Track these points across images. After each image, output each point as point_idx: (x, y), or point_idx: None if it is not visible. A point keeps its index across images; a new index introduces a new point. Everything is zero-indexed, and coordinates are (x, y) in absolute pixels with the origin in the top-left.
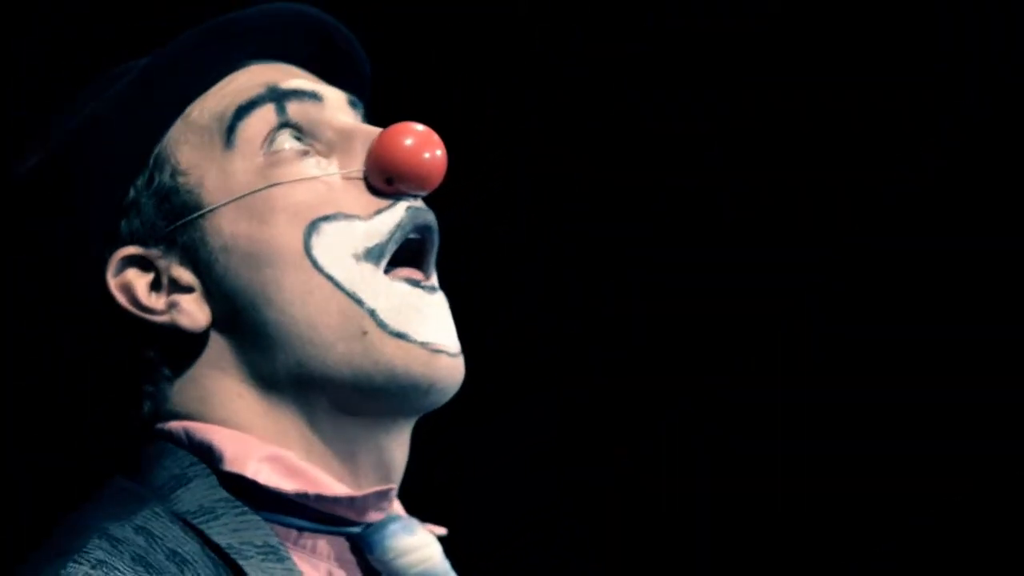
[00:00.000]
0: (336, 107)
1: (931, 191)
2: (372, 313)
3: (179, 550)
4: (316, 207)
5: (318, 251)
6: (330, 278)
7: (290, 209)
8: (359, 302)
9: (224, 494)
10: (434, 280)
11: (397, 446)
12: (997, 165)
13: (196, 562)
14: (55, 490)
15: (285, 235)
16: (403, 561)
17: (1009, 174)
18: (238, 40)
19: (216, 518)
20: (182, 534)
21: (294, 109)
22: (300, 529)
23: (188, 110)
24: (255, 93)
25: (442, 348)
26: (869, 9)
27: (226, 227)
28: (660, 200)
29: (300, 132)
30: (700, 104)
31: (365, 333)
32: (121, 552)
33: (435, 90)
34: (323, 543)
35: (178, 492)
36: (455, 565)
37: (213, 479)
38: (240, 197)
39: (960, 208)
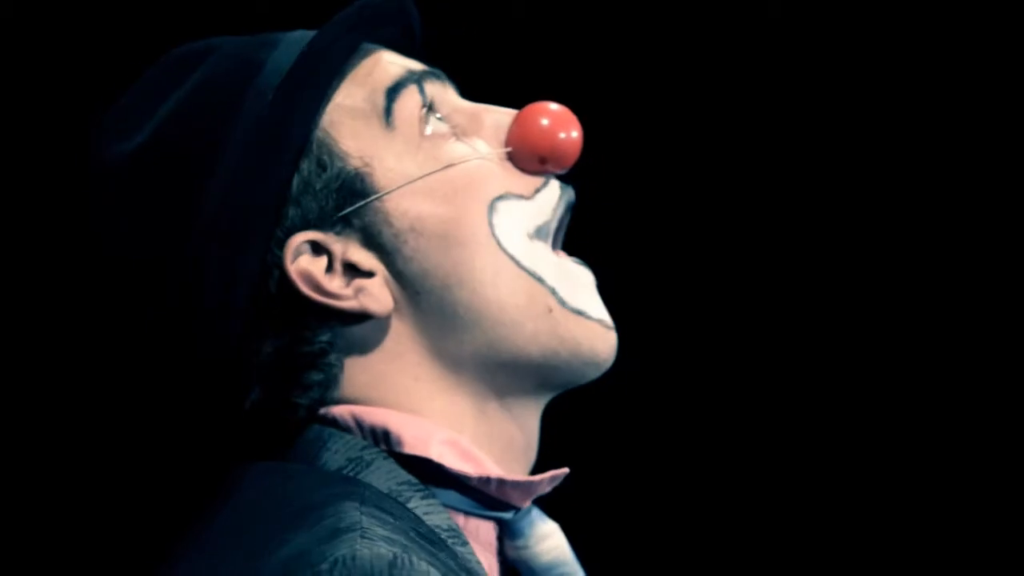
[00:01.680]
0: (450, 89)
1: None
2: (553, 291)
3: (411, 528)
4: (489, 187)
5: (500, 231)
6: (512, 258)
7: (470, 189)
8: (541, 280)
9: (407, 476)
10: None
11: (537, 429)
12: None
13: (424, 540)
14: (181, 484)
15: (471, 215)
16: (541, 547)
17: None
18: (364, 26)
19: (407, 500)
20: (401, 512)
21: (430, 90)
22: (467, 513)
23: (333, 95)
24: (397, 74)
25: (611, 325)
26: None
27: (411, 208)
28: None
29: (435, 111)
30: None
31: (550, 311)
32: (390, 526)
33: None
34: (484, 527)
35: (362, 475)
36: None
37: (392, 462)
38: (420, 178)
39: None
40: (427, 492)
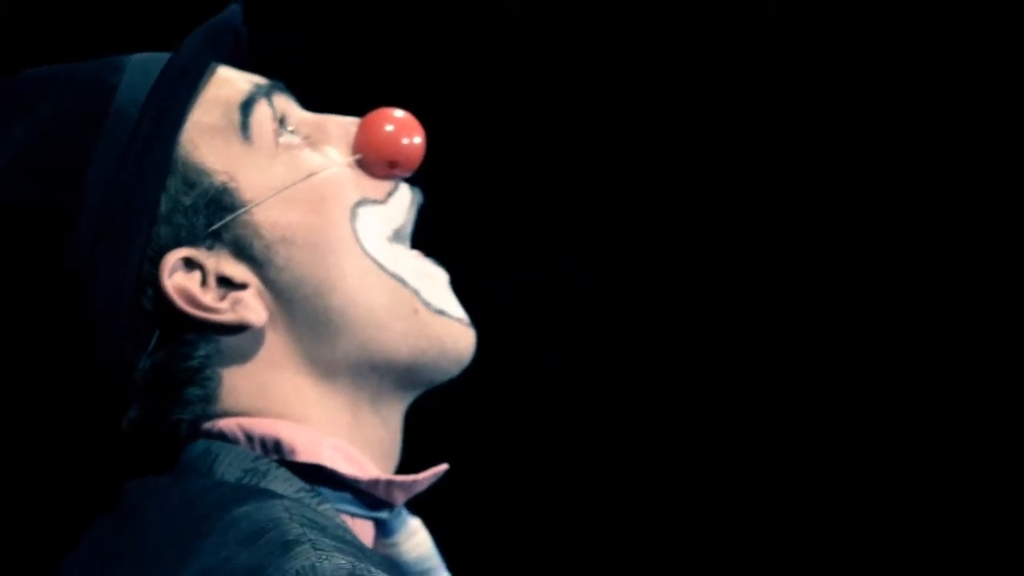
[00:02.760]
0: (291, 100)
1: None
2: (416, 293)
3: (342, 535)
4: (349, 194)
5: (363, 236)
6: (376, 262)
7: (333, 197)
8: (403, 283)
9: (302, 484)
10: None
11: (401, 430)
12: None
13: (355, 546)
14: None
15: (337, 222)
16: (409, 544)
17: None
18: (214, 46)
19: (310, 509)
20: (324, 520)
21: (278, 102)
22: (354, 515)
23: (191, 114)
24: (247, 90)
25: (469, 322)
26: None
27: (280, 219)
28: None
29: (289, 125)
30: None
31: (416, 312)
32: (329, 535)
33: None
34: (367, 528)
35: (261, 485)
36: None
37: (285, 471)
38: (286, 189)
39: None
40: (321, 498)
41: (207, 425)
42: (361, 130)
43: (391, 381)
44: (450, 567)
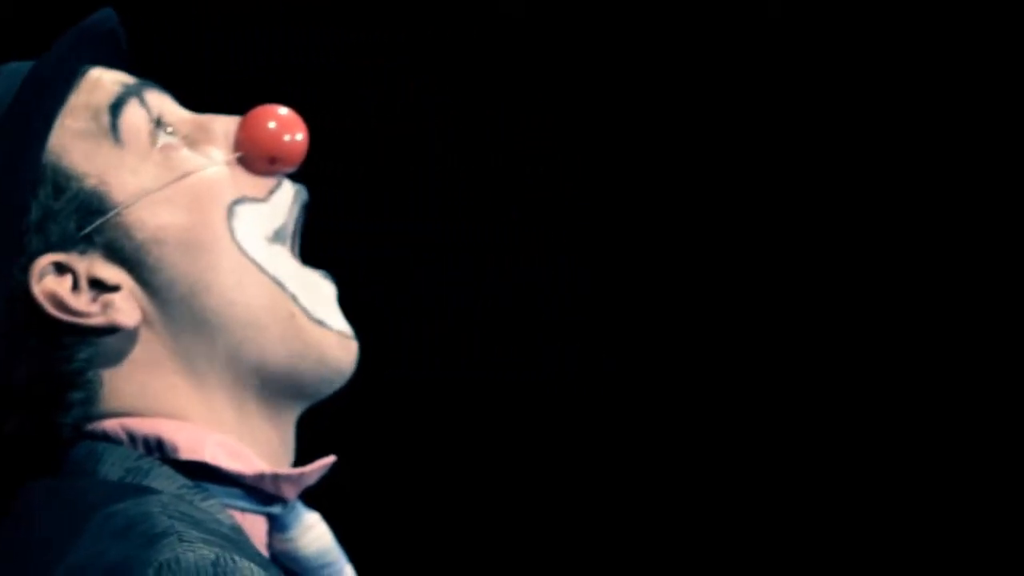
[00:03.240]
0: (167, 98)
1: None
2: (294, 298)
3: (216, 528)
4: (226, 192)
5: (240, 235)
6: (254, 261)
7: (208, 195)
8: (281, 285)
9: (184, 480)
10: None
11: (293, 435)
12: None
13: (228, 538)
14: None
15: (212, 221)
16: (306, 538)
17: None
18: (81, 49)
19: (188, 504)
20: (199, 513)
21: (152, 102)
22: (243, 511)
23: (59, 120)
24: (116, 91)
25: (351, 336)
26: None
27: (151, 219)
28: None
29: (163, 123)
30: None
31: (292, 316)
32: (201, 527)
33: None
34: (258, 523)
35: (144, 483)
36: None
37: (167, 468)
38: (158, 189)
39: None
40: (206, 494)
41: (90, 427)
42: (242, 127)
43: (272, 384)
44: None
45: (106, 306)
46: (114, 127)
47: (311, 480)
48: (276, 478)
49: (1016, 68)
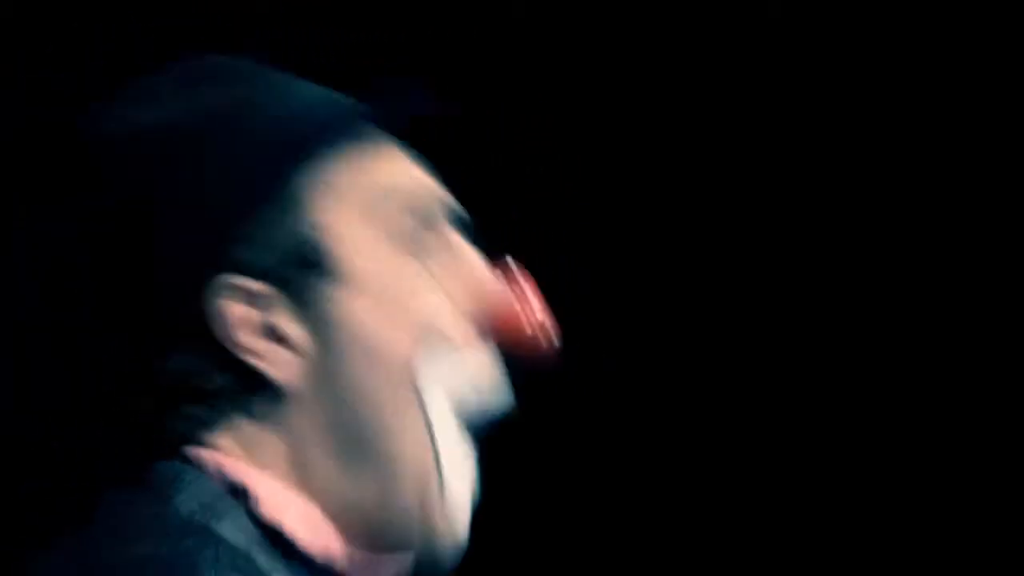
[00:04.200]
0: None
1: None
2: (442, 484)
3: None
4: (434, 324)
5: (426, 384)
6: (427, 422)
7: (417, 325)
8: (437, 461)
9: (257, 536)
10: None
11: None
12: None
13: None
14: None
15: (406, 352)
16: None
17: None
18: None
19: (247, 562)
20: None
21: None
22: None
23: (330, 175)
24: (431, 206)
25: (461, 545)
26: None
27: (358, 312)
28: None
29: (429, 232)
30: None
31: (428, 492)
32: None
33: None
34: None
35: (214, 523)
36: None
37: (245, 519)
38: (383, 291)
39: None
40: (275, 556)
41: (188, 449)
42: (506, 312)
43: (370, 527)
44: None
45: (270, 356)
46: (383, 203)
47: (385, 571)
48: (348, 562)
49: (1016, 68)
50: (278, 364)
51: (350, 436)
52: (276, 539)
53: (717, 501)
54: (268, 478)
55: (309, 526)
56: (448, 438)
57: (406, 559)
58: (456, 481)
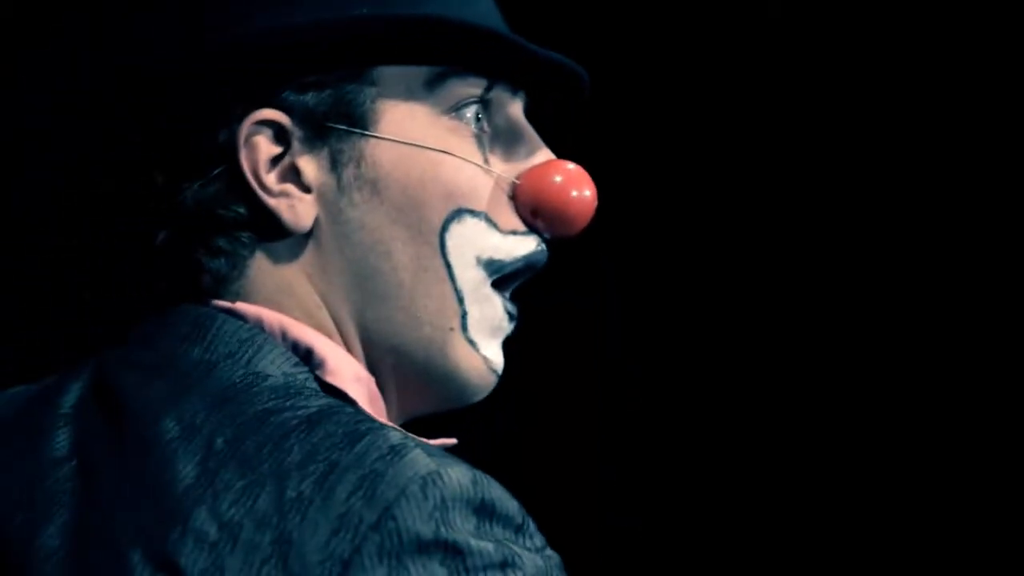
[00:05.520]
0: (520, 97)
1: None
2: (464, 316)
3: None
4: (469, 196)
5: (451, 237)
6: (448, 266)
7: (449, 185)
8: (460, 300)
9: (329, 400)
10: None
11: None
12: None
13: None
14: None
15: (433, 207)
16: None
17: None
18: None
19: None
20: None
21: (497, 92)
22: None
23: (400, 39)
24: (503, 102)
25: (496, 368)
26: None
27: (386, 163)
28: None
29: (486, 110)
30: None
31: (451, 329)
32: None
33: None
34: None
35: (301, 394)
36: None
37: (317, 386)
38: (414, 145)
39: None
40: None
41: (243, 306)
42: (539, 166)
43: (403, 372)
44: None
45: (283, 194)
46: (440, 78)
47: None
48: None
49: (1016, 68)
50: (294, 209)
51: (367, 284)
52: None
53: (716, 500)
54: (326, 338)
55: (365, 391)
56: (473, 285)
57: (447, 443)
58: (481, 320)
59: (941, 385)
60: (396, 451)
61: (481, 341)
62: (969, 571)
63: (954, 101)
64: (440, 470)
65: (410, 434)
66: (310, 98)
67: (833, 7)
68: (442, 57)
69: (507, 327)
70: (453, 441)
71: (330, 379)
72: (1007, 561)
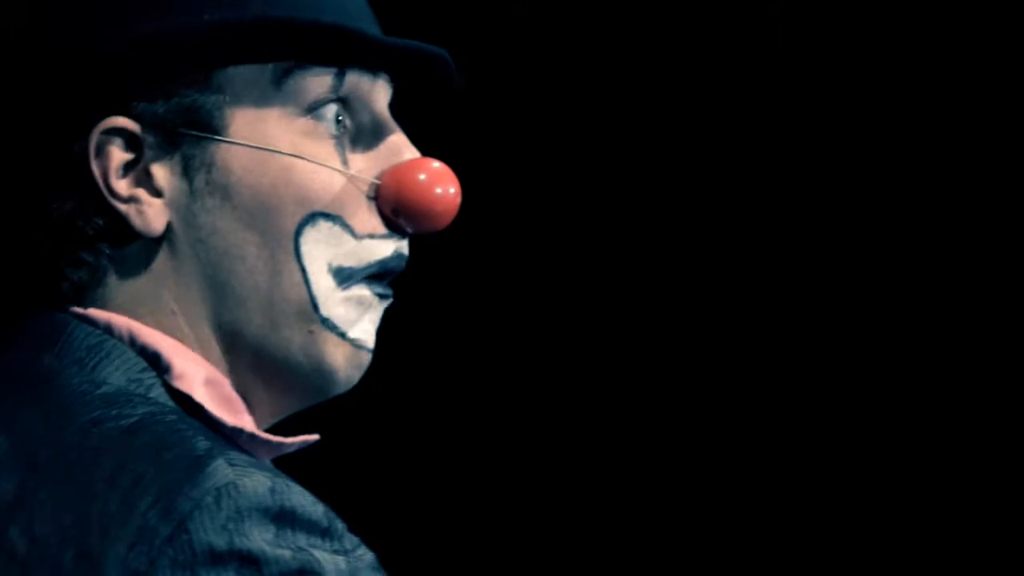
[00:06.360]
0: (382, 92)
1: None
2: (324, 317)
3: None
4: (323, 200)
5: (306, 243)
6: (304, 271)
7: (302, 189)
8: (316, 307)
9: (173, 406)
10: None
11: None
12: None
13: None
14: None
15: (287, 212)
16: None
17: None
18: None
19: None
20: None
21: (356, 82)
22: None
23: (251, 45)
24: (366, 103)
25: (366, 344)
26: None
27: (237, 169)
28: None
29: (347, 109)
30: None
31: (311, 331)
32: (233, 450)
33: None
34: None
35: (131, 402)
36: None
37: (163, 391)
38: (264, 149)
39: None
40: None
41: (95, 312)
42: (401, 171)
43: (269, 373)
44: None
45: (132, 199)
46: (288, 72)
47: (288, 450)
48: (253, 438)
49: (1016, 68)
50: (144, 214)
51: (223, 288)
52: (186, 408)
53: (714, 501)
54: (173, 341)
55: (216, 394)
56: (327, 294)
57: (309, 439)
58: (345, 316)
59: (936, 384)
60: (198, 462)
61: (346, 327)
62: (969, 571)
63: (954, 101)
64: (237, 480)
65: (233, 445)
66: (159, 106)
67: (833, 7)
68: (282, 53)
69: (378, 304)
70: (315, 437)
71: (177, 383)
72: (1007, 561)
